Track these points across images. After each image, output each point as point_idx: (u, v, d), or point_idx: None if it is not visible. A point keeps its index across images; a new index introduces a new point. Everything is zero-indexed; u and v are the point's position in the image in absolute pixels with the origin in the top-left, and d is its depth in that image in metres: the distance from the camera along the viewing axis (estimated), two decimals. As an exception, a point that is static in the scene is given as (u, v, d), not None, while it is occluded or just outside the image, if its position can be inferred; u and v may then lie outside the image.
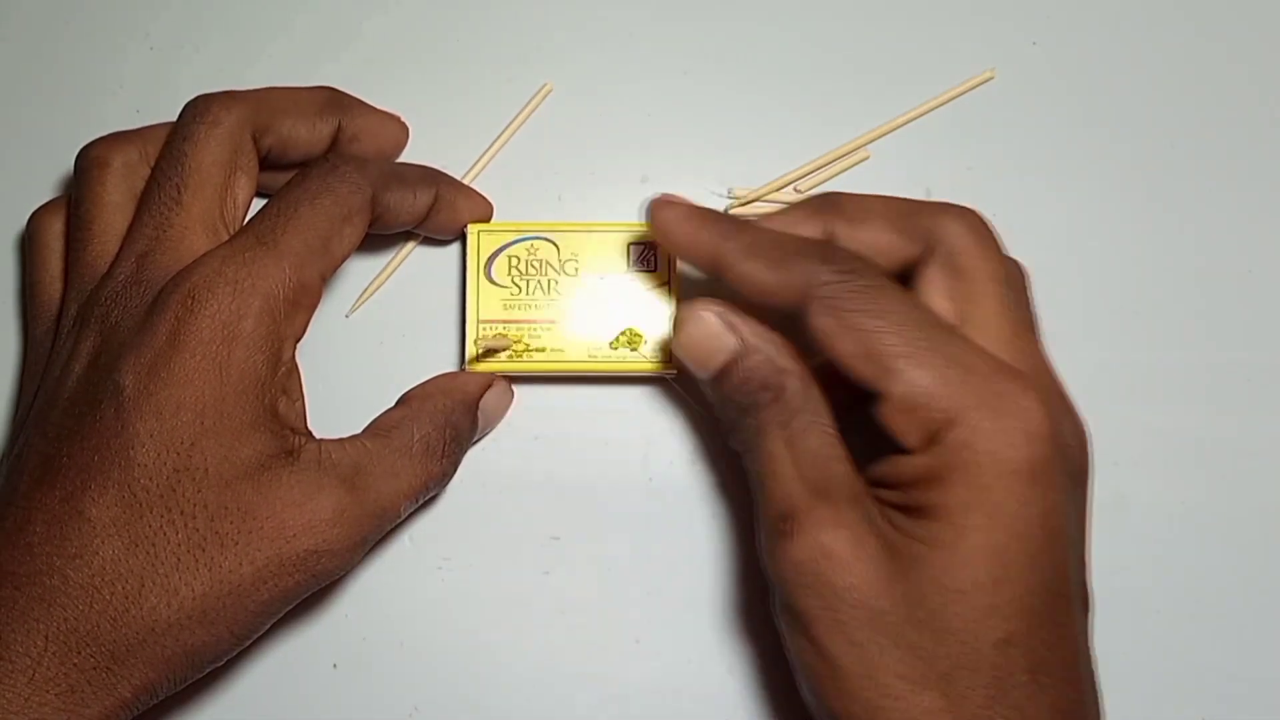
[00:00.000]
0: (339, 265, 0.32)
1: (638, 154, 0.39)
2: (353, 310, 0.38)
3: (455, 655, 0.36)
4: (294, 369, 0.32)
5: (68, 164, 0.38)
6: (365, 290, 0.38)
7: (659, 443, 0.37)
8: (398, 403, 0.35)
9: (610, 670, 0.36)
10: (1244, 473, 0.37)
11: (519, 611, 0.36)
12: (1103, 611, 0.37)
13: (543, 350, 0.35)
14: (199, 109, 0.33)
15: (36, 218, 0.35)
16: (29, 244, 0.35)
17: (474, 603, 0.36)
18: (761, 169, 0.38)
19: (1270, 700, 0.37)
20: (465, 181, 0.38)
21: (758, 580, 0.37)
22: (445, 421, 0.33)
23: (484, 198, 0.37)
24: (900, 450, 0.29)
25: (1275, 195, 0.39)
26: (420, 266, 0.38)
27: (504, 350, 0.35)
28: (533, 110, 0.39)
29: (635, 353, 0.35)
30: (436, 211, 0.35)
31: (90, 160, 0.34)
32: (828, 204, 0.33)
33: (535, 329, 0.35)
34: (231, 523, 0.29)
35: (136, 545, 0.28)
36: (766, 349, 0.31)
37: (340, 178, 0.32)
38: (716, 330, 0.31)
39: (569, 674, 0.36)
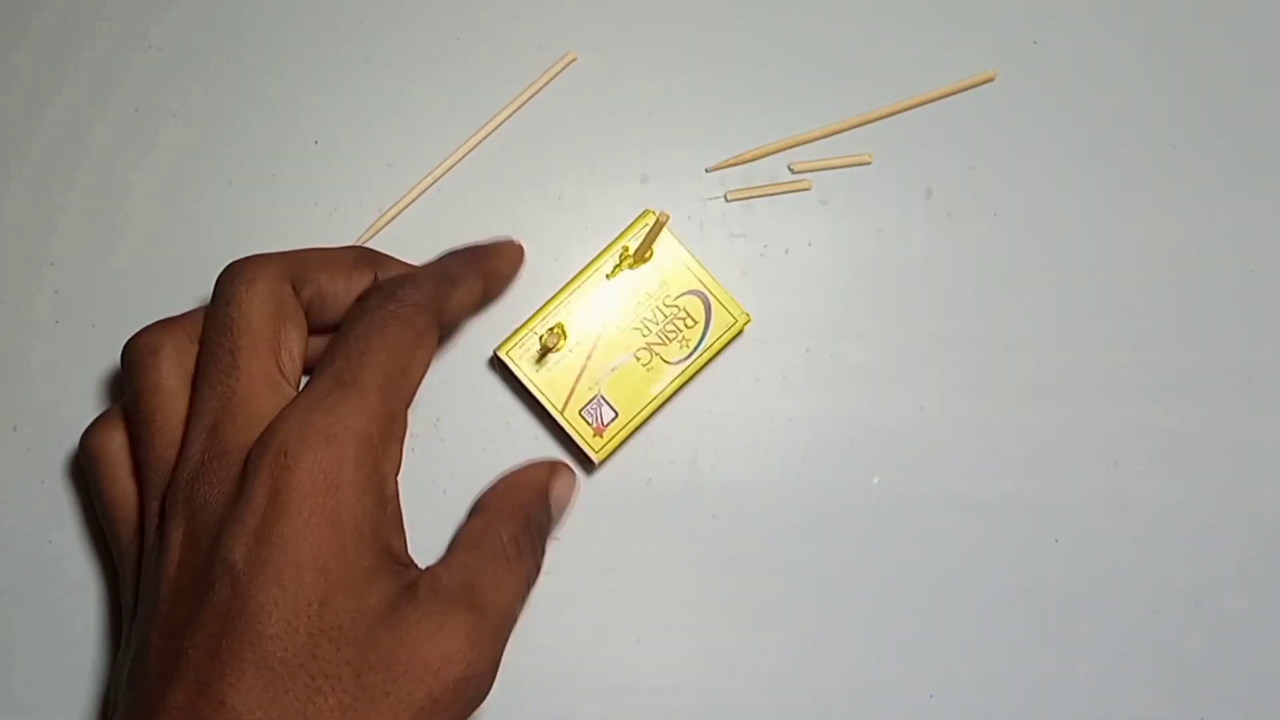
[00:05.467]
0: (417, 390, 0.31)
1: (638, 154, 0.39)
2: None
3: (455, 655, 0.36)
4: (398, 504, 0.30)
5: (66, 163, 0.38)
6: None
7: (660, 443, 0.37)
8: (474, 510, 0.35)
9: (610, 670, 0.36)
10: (1244, 473, 0.37)
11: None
12: (1103, 611, 0.37)
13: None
14: (233, 273, 0.31)
15: (91, 436, 0.33)
16: (91, 465, 0.33)
17: (474, 603, 0.36)
18: (761, 169, 0.39)
19: (1270, 700, 0.37)
20: (459, 163, 0.38)
21: (757, 580, 0.37)
22: (526, 517, 0.33)
23: (513, 242, 0.37)
24: None
25: (1275, 195, 0.39)
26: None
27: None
28: (525, 102, 0.39)
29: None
30: (488, 289, 0.35)
31: (140, 350, 0.32)
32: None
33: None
34: (377, 675, 0.27)
35: None
36: None
37: (402, 301, 0.31)
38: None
39: (569, 674, 0.36)
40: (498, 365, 0.36)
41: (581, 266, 0.36)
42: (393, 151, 0.38)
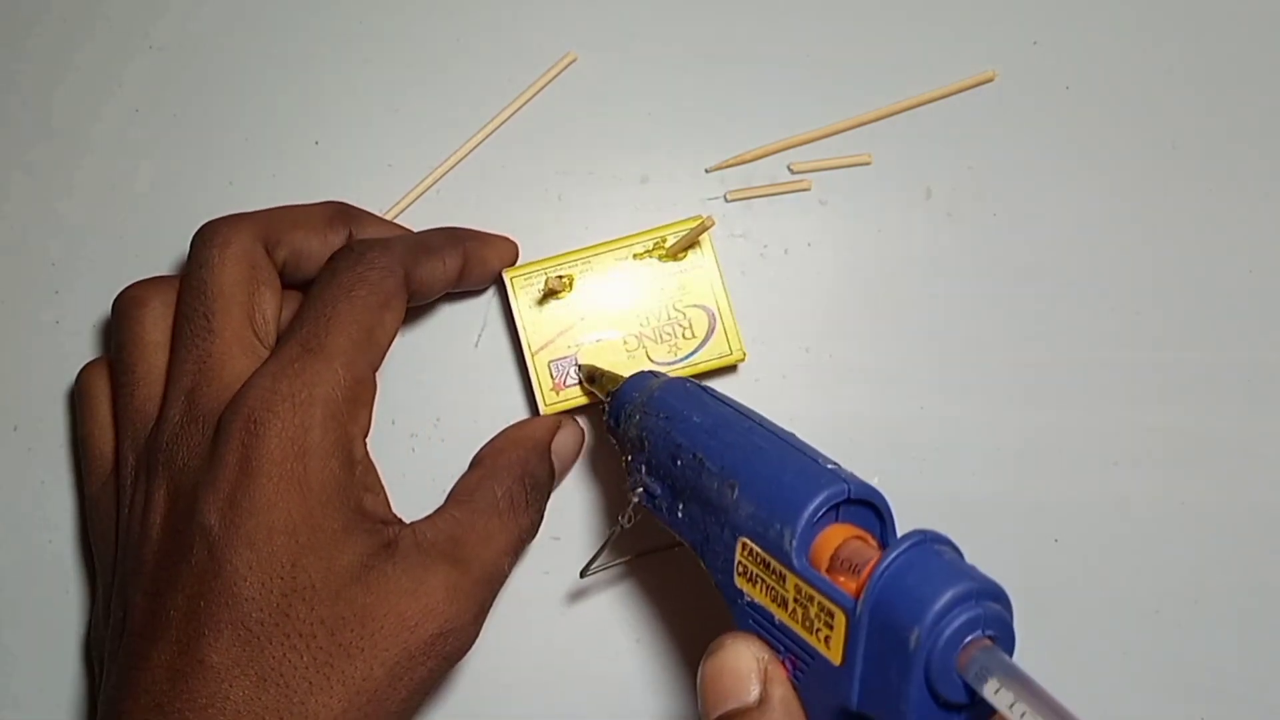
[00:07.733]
0: (386, 353, 0.32)
1: (638, 154, 0.39)
2: None
3: (455, 655, 0.36)
4: (369, 464, 0.31)
5: (67, 164, 0.38)
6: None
7: (659, 442, 0.37)
8: (472, 464, 0.35)
9: (610, 670, 0.36)
10: (1244, 473, 0.37)
11: (519, 611, 0.36)
12: (1104, 611, 0.37)
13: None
14: (207, 234, 0.32)
15: (86, 371, 0.34)
16: (79, 397, 0.34)
17: (474, 603, 0.36)
18: (761, 168, 0.39)
19: (1270, 700, 0.37)
20: (459, 163, 0.38)
21: (758, 580, 0.37)
22: (523, 473, 0.33)
23: (508, 240, 0.37)
24: None
25: (1275, 195, 0.39)
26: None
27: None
28: (526, 103, 0.39)
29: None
30: (468, 271, 0.35)
31: (128, 302, 0.33)
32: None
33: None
34: (352, 631, 0.28)
35: (265, 680, 0.27)
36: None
37: (370, 264, 0.31)
38: (747, 671, 0.26)
39: (569, 674, 0.36)
40: (500, 293, 0.37)
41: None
42: (393, 151, 0.38)
